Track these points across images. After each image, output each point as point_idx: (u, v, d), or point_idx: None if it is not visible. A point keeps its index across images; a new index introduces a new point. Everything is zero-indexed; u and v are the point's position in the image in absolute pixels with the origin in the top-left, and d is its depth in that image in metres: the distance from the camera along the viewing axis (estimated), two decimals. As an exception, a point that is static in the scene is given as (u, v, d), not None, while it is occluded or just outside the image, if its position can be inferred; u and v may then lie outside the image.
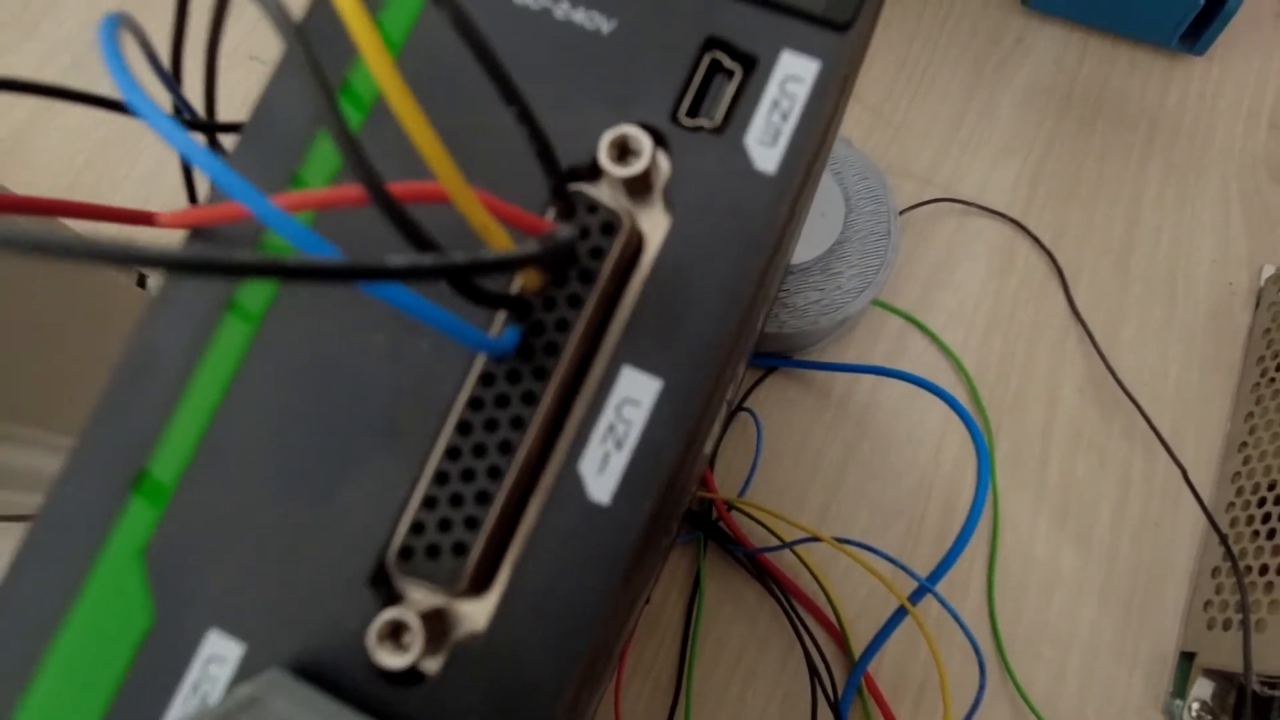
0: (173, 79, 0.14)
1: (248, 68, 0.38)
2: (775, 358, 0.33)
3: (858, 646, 0.30)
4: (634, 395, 0.10)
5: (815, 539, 0.29)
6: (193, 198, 0.18)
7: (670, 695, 0.30)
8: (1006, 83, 0.36)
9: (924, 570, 0.29)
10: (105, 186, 0.37)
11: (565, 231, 0.09)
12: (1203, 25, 0.34)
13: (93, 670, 0.10)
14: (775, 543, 0.30)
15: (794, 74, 0.11)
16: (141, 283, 0.35)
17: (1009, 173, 0.35)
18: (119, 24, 0.10)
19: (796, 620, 0.30)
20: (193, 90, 0.17)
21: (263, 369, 0.11)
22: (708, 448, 0.26)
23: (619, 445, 0.10)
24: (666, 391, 0.10)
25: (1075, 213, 0.34)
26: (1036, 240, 0.34)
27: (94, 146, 0.37)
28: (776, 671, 0.30)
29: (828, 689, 0.29)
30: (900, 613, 0.27)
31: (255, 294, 0.11)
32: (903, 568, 0.27)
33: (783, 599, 0.30)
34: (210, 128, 0.15)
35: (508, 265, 0.09)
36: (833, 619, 0.30)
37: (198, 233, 0.11)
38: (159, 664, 0.10)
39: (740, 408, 0.32)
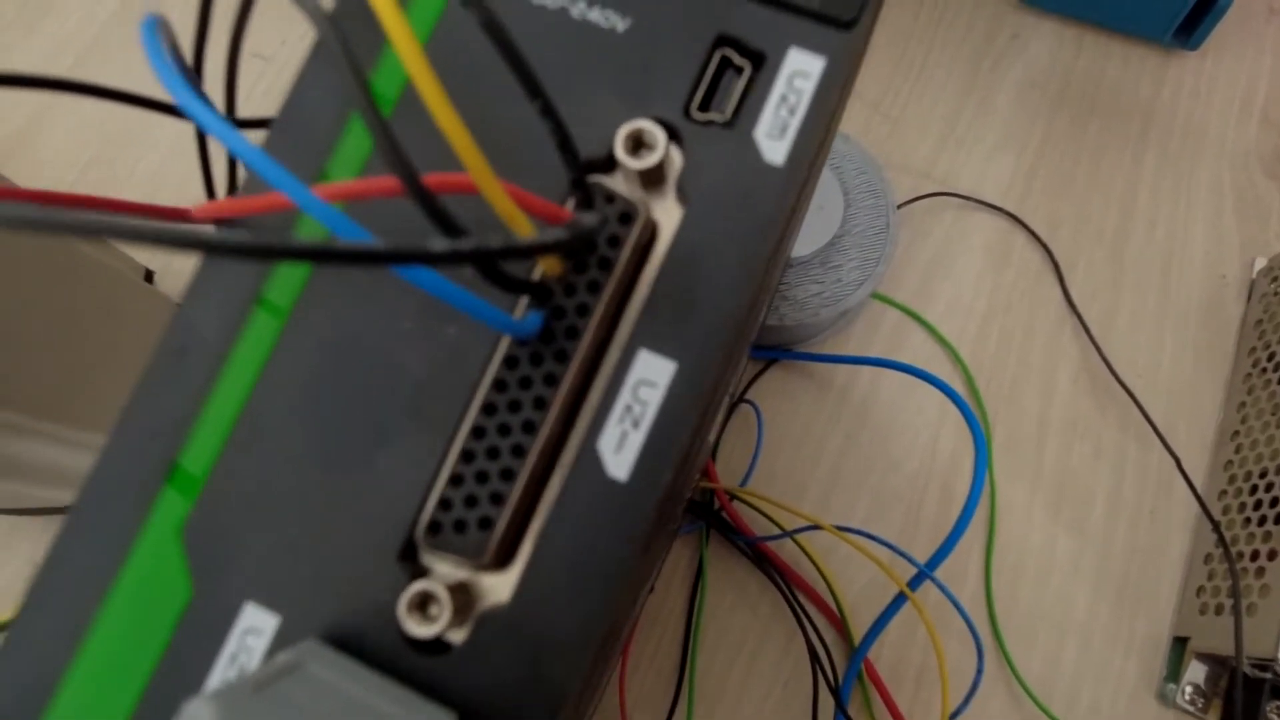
0: (197, 77, 0.14)
1: (249, 64, 0.38)
2: (776, 350, 0.33)
3: (858, 633, 0.30)
4: (650, 377, 0.11)
5: (816, 527, 0.30)
6: (210, 192, 0.18)
7: (674, 684, 0.31)
8: (1002, 78, 0.36)
9: (922, 557, 0.29)
10: (110, 184, 0.37)
11: (590, 218, 0.10)
12: (1196, 21, 0.34)
13: (134, 643, 0.11)
14: (776, 532, 0.30)
15: (801, 70, 0.12)
16: (149, 278, 0.35)
17: (1005, 167, 0.35)
18: (158, 25, 0.10)
19: (798, 608, 0.31)
20: (211, 87, 0.17)
21: (294, 355, 0.12)
22: (711, 437, 0.27)
23: (636, 424, 0.11)
24: (680, 373, 0.11)
25: (1070, 206, 0.35)
26: (1032, 233, 0.34)
27: (98, 144, 0.37)
28: (778, 659, 0.31)
29: (828, 675, 0.30)
30: (900, 599, 0.28)
31: (284, 289, 0.12)
32: (902, 554, 0.28)
33: (784, 587, 0.31)
34: (236, 124, 0.15)
35: (539, 250, 0.09)
36: (833, 607, 0.31)
37: (230, 225, 0.12)
38: (198, 636, 0.11)
39: (742, 399, 0.33)
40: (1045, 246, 0.34)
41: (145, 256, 0.35)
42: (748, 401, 0.33)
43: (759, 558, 0.31)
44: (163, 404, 0.12)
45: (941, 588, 0.26)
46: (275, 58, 0.38)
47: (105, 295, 0.30)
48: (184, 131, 0.37)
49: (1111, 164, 0.35)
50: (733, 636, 0.31)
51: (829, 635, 0.31)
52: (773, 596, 0.31)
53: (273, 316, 0.12)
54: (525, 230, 0.10)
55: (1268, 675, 0.26)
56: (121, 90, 0.13)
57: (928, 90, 0.36)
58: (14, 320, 0.24)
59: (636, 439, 0.11)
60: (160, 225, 0.07)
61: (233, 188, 0.18)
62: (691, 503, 0.31)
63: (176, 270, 0.36)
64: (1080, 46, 0.37)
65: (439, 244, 0.08)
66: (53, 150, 0.37)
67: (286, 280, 0.12)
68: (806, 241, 0.31)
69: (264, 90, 0.38)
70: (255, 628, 0.11)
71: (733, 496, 0.31)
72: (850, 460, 0.32)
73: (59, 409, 0.26)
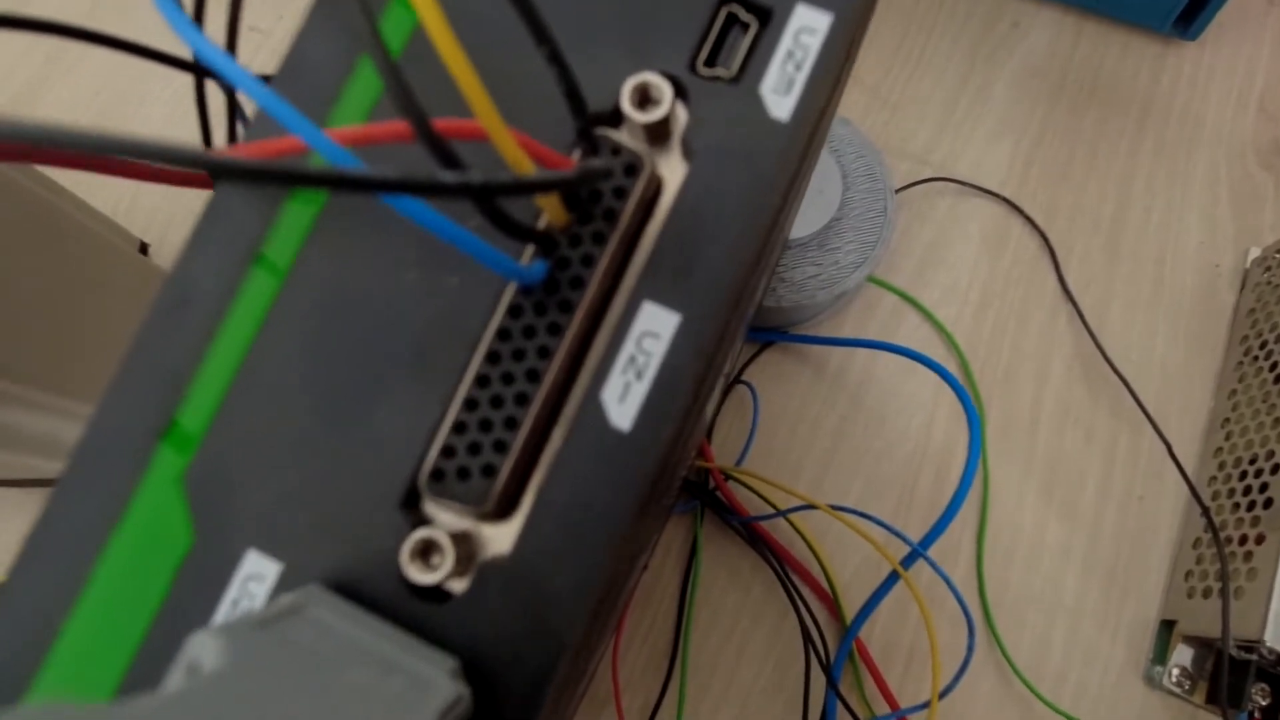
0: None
1: (246, 38, 0.38)
2: (772, 332, 0.33)
3: (850, 613, 0.30)
4: (654, 329, 0.11)
5: (810, 507, 0.30)
6: (208, 144, 0.18)
7: (667, 662, 0.31)
8: (1002, 65, 0.36)
9: (915, 538, 0.29)
10: (107, 156, 0.37)
11: (596, 161, 0.10)
12: (1195, 11, 0.34)
13: (136, 589, 0.11)
14: (771, 512, 0.30)
15: (807, 26, 0.12)
16: (143, 250, 0.35)
17: (1003, 153, 0.35)
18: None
19: (790, 587, 0.31)
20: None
21: (295, 308, 0.12)
22: (708, 413, 0.27)
23: (639, 375, 0.11)
24: (684, 325, 0.11)
25: (1067, 193, 0.35)
26: (1029, 220, 0.34)
27: (100, 105, 0.37)
28: (770, 638, 0.31)
29: (820, 654, 0.30)
30: (892, 577, 0.28)
31: (283, 245, 0.12)
32: (895, 533, 0.28)
33: (777, 567, 0.31)
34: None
35: (547, 186, 0.09)
36: (825, 586, 0.31)
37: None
38: (199, 582, 0.11)
39: (738, 380, 0.33)
40: (1042, 233, 0.34)
41: (140, 228, 0.35)
42: (744, 382, 0.33)
43: (753, 537, 0.31)
44: (160, 360, 0.11)
45: (933, 565, 0.27)
46: (273, 32, 0.38)
47: (99, 267, 0.30)
48: (181, 97, 0.37)
49: (1109, 152, 0.35)
50: (726, 616, 0.31)
51: (821, 615, 0.31)
52: (766, 576, 0.31)
53: (271, 274, 0.12)
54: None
55: (1253, 657, 0.26)
56: (128, 40, 0.13)
57: (927, 76, 0.36)
58: (6, 290, 0.24)
59: (640, 390, 0.11)
60: (172, 142, 0.07)
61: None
62: (687, 482, 0.31)
63: (171, 243, 0.36)
64: (1080, 35, 0.37)
65: (449, 175, 0.08)
66: (52, 113, 0.37)
67: (286, 236, 0.12)
68: (804, 223, 0.31)
69: (261, 64, 0.37)
70: (257, 574, 0.11)
71: (728, 476, 0.31)
72: (845, 441, 0.33)
73: (52, 379, 0.26)
